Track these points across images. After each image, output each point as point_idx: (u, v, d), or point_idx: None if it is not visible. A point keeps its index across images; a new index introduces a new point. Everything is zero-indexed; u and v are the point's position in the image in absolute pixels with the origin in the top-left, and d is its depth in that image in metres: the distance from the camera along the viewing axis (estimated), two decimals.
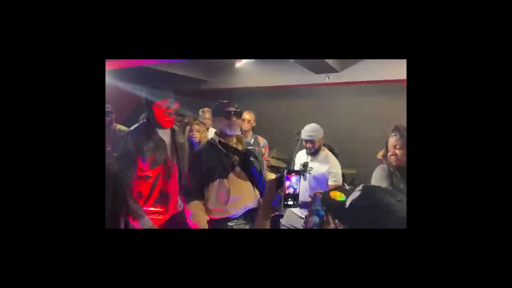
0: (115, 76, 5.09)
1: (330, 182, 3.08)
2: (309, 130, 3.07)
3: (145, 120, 2.44)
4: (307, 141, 3.07)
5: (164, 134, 2.38)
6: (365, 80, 4.61)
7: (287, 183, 1.26)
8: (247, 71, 5.22)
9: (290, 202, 1.27)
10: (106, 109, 4.00)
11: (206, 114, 4.01)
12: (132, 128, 2.42)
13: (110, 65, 4.64)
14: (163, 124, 2.31)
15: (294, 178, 1.27)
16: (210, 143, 2.29)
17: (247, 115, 3.74)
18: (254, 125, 3.86)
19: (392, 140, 1.96)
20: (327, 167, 3.09)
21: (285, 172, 1.26)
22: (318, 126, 3.11)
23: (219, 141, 2.23)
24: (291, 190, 1.26)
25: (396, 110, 2.69)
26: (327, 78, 4.66)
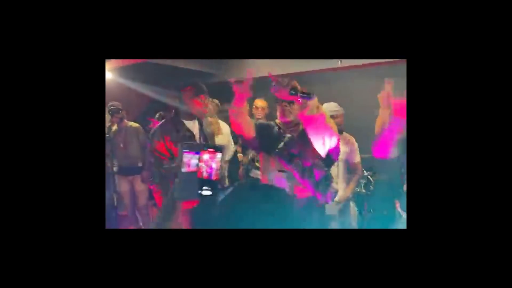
0: (125, 75, 5.05)
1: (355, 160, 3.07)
2: (328, 107, 3.02)
3: (171, 116, 2.71)
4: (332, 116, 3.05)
5: (192, 124, 2.59)
6: (383, 61, 4.19)
7: (193, 162, 0.93)
8: (252, 61, 5.07)
9: (206, 192, 0.97)
10: (116, 107, 3.99)
11: (211, 105, 3.81)
12: (160, 123, 2.70)
13: (116, 63, 4.63)
14: (198, 114, 2.58)
15: (207, 156, 0.93)
16: (272, 121, 2.24)
17: (259, 103, 3.70)
18: (267, 113, 3.83)
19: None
20: (347, 146, 3.06)
21: (182, 147, 0.93)
22: (336, 104, 3.09)
23: (278, 123, 2.17)
24: (205, 172, 0.95)
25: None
26: (339, 62, 4.52)
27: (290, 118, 2.03)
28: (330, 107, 3.03)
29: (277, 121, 2.16)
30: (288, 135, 2.00)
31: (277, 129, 2.13)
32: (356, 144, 3.13)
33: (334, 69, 4.72)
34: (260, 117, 3.67)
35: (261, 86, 2.45)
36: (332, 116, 2.99)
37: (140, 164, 4.09)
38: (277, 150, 1.97)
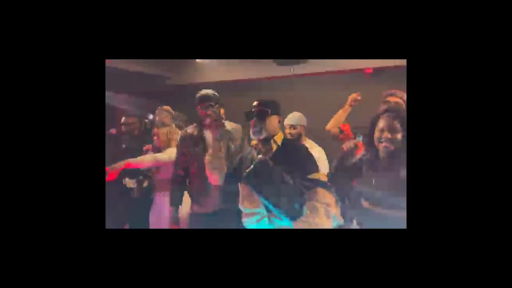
0: None
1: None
2: (290, 117, 2.92)
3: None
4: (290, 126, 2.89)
5: (208, 133, 2.46)
6: (336, 69, 4.34)
7: None
8: (209, 65, 4.97)
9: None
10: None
11: (162, 113, 3.53)
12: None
13: None
14: (204, 125, 2.47)
15: None
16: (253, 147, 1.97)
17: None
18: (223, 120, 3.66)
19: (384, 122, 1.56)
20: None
21: None
22: (300, 114, 2.96)
23: (255, 148, 1.88)
24: None
25: (368, 100, 2.55)
26: (291, 70, 4.43)
27: (259, 135, 1.78)
28: (289, 119, 2.92)
29: (253, 143, 1.91)
30: (259, 157, 1.72)
31: (252, 152, 1.87)
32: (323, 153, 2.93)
33: (288, 77, 4.59)
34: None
35: (217, 90, 2.43)
36: (292, 126, 2.85)
37: None
38: (244, 174, 1.70)
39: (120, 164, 2.36)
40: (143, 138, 3.42)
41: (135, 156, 2.75)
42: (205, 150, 2.32)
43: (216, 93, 2.49)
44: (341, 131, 2.50)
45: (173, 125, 3.07)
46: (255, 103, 1.85)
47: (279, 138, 1.82)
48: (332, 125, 2.62)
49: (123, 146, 3.69)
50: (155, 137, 2.87)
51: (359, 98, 2.59)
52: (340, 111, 2.64)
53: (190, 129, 2.57)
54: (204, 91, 2.50)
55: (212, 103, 2.43)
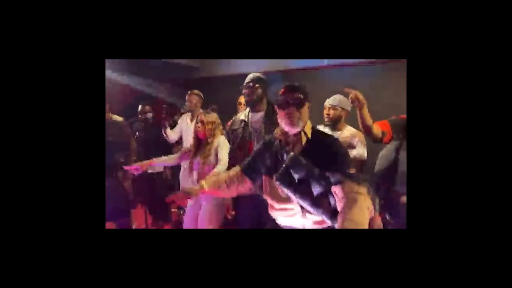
0: (114, 68, 4.68)
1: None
2: (333, 98, 2.72)
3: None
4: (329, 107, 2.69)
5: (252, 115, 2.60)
6: (363, 61, 4.23)
7: None
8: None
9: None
10: None
11: (192, 97, 3.51)
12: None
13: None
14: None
15: None
16: (270, 140, 1.68)
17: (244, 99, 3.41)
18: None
19: None
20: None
21: None
22: (344, 97, 2.62)
23: (280, 140, 1.61)
24: None
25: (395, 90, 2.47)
26: (324, 61, 4.43)
27: (299, 127, 1.53)
28: (332, 100, 2.75)
29: (277, 133, 1.65)
30: (291, 154, 1.51)
31: (278, 145, 1.61)
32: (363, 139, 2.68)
33: (320, 67, 4.58)
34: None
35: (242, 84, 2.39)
36: (332, 107, 2.68)
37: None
38: (277, 175, 1.51)
39: (144, 163, 2.49)
40: (156, 129, 3.48)
41: (148, 148, 3.05)
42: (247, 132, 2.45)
43: (261, 76, 2.52)
44: (384, 134, 2.06)
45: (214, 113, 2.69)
46: (282, 90, 1.56)
47: (308, 129, 1.57)
48: (376, 129, 2.07)
49: (136, 134, 3.83)
50: (198, 125, 2.54)
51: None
52: (364, 110, 1.99)
53: (239, 114, 2.66)
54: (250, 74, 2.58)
55: (252, 85, 2.50)
